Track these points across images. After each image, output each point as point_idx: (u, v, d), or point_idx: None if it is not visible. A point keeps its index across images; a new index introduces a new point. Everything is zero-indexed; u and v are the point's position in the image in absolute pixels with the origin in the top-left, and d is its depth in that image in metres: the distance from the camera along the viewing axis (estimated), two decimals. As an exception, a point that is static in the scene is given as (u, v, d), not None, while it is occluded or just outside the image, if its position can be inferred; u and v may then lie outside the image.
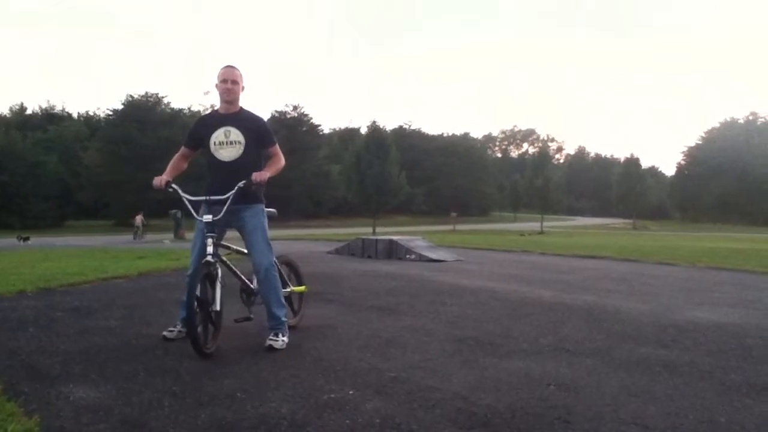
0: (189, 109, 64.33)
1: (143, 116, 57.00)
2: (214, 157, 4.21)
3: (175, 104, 64.43)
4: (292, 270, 5.05)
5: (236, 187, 4.00)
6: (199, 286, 3.77)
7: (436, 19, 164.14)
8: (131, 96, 60.10)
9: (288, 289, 4.72)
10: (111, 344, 4.17)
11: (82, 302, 5.83)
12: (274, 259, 4.41)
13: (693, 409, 2.94)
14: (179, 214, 28.19)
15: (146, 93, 61.15)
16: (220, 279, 3.94)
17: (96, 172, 54.90)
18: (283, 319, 4.22)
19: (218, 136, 4.18)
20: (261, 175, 4.04)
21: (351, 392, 3.10)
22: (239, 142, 4.16)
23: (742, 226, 58.40)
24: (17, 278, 7.47)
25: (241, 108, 4.27)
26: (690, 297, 6.83)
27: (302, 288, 4.97)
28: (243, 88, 4.25)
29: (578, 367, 3.68)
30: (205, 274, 3.88)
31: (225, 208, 4.01)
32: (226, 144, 4.17)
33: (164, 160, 4.92)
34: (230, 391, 3.11)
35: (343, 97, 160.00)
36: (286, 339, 4.12)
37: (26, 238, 27.48)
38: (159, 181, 4.20)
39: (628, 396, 3.13)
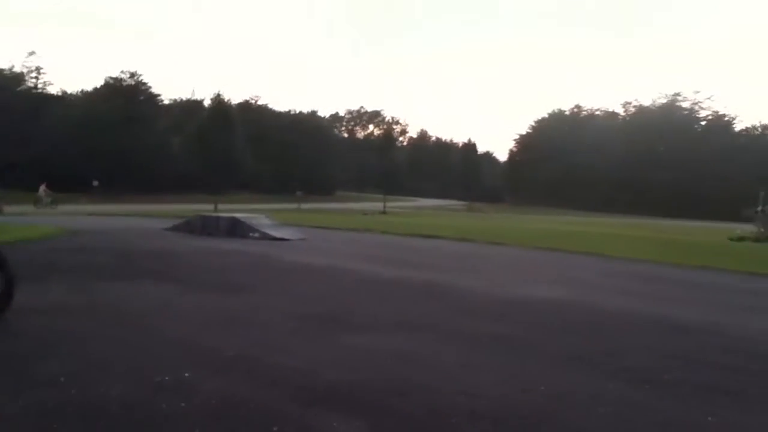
0: (11, 69, 58.18)
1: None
2: None
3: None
4: None
5: None
6: None
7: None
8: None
9: None
10: None
11: None
12: None
13: (518, 378, 3.15)
14: None
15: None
16: None
17: None
18: None
19: None
20: None
21: (187, 374, 2.98)
22: None
23: (568, 211, 63.51)
24: None
25: None
26: (518, 275, 7.33)
27: None
28: None
29: (416, 341, 3.81)
30: None
31: None
32: None
33: None
34: (53, 375, 2.86)
35: (183, 67, 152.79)
36: None
37: None
38: None
39: (461, 367, 3.29)
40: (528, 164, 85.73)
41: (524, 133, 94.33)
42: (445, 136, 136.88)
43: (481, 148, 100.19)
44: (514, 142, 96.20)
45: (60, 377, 2.85)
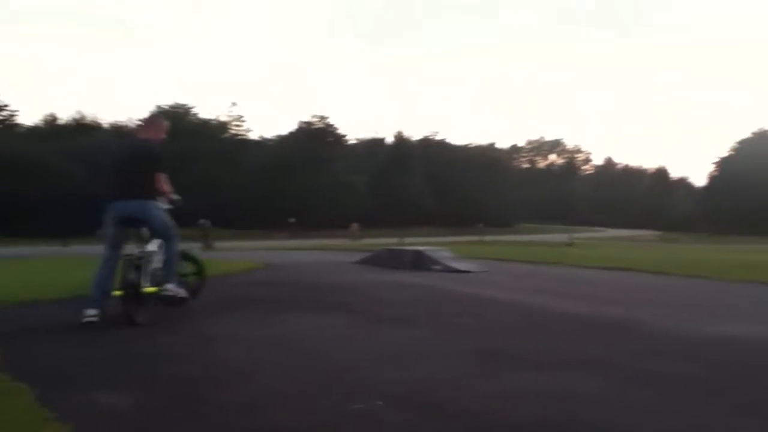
0: (217, 119, 64.67)
1: (172, 127, 57.29)
2: None
3: (203, 114, 64.53)
4: None
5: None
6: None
7: (448, 22, 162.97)
8: (159, 107, 60.55)
9: None
10: (125, 352, 4.29)
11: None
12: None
13: (715, 424, 2.91)
14: (208, 224, 28.60)
15: (175, 103, 61.73)
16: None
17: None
18: None
19: None
20: None
21: (379, 403, 3.11)
22: None
23: (774, 239, 57.23)
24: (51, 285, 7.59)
25: None
26: (715, 310, 6.74)
27: None
28: None
29: (602, 381, 3.65)
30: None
31: None
32: None
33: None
34: (246, 401, 3.13)
35: (366, 107, 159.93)
36: None
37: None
38: None
39: (651, 410, 3.11)
40: (729, 189, 78.51)
41: (725, 155, 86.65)
42: (634, 163, 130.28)
43: (674, 174, 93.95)
44: (713, 165, 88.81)
45: (256, 402, 3.12)
